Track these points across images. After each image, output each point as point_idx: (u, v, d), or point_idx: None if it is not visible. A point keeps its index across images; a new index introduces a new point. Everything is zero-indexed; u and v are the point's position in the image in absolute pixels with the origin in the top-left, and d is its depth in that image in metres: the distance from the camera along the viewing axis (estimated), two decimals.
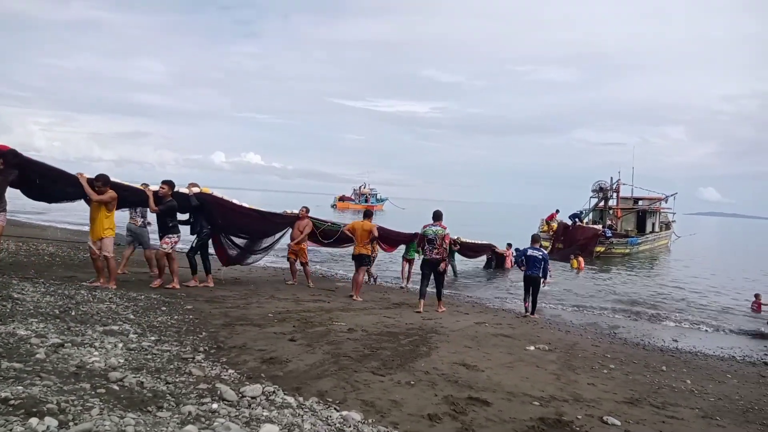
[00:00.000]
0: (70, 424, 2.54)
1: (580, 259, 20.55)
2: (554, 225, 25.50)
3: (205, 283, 9.17)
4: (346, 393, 4.27)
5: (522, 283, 10.70)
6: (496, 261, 18.84)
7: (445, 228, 9.37)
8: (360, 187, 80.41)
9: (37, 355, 3.64)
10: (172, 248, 8.49)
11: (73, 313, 5.32)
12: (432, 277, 9.42)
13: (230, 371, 4.37)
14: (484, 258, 18.90)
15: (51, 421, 2.48)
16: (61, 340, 4.10)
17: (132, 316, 5.79)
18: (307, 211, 11.14)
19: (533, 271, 10.15)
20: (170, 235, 8.44)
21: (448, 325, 7.95)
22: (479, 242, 17.86)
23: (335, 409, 3.78)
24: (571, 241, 23.03)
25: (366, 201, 77.58)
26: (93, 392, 3.12)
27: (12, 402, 2.63)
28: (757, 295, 13.41)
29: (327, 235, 12.00)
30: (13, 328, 4.18)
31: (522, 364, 6.06)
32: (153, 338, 4.95)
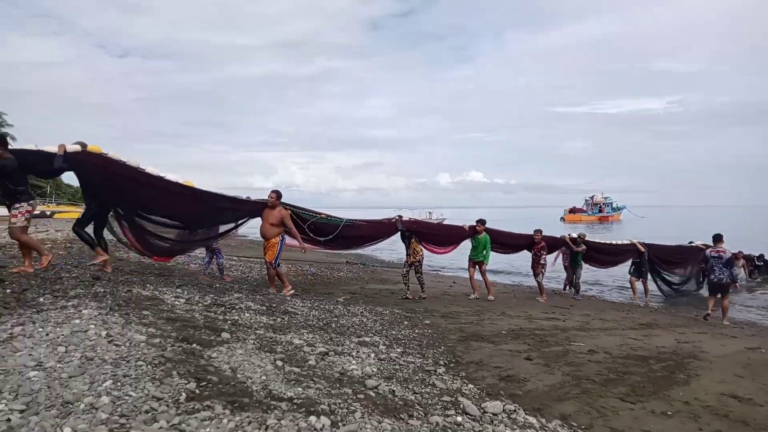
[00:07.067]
0: (340, 424, 2.92)
1: None
2: None
3: (94, 260, 7.25)
4: (592, 419, 4.04)
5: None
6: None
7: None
8: (592, 197, 75.34)
9: (309, 362, 4.27)
10: (26, 219, 6.41)
11: (333, 326, 6.09)
12: None
13: (470, 386, 4.50)
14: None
15: (325, 420, 2.90)
16: (326, 349, 4.73)
17: (380, 329, 6.39)
18: (278, 196, 8.53)
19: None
20: (16, 205, 6.32)
21: (710, 349, 6.91)
22: (557, 237, 12.50)
23: None
24: None
25: (600, 211, 72.34)
26: (354, 397, 3.53)
27: (296, 401, 3.14)
28: None
29: (322, 230, 9.32)
30: (290, 338, 4.97)
31: None
32: (399, 350, 5.38)
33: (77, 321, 3.99)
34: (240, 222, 8.83)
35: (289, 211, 8.73)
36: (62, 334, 3.62)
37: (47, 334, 3.62)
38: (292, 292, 8.44)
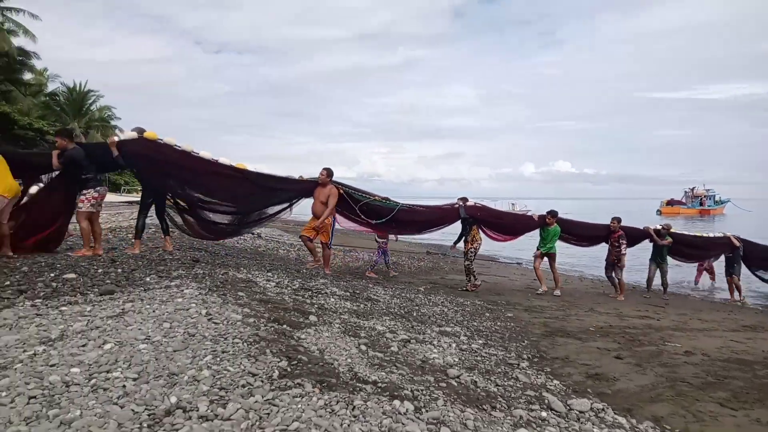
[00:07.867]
0: (423, 410, 2.97)
1: None
2: None
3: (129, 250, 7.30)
4: (687, 423, 3.82)
5: None
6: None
7: None
8: (693, 189, 70.16)
9: (392, 348, 4.35)
10: (92, 205, 6.74)
11: (414, 314, 6.16)
12: None
13: (555, 382, 4.40)
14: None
15: (409, 405, 2.95)
16: (407, 337, 4.80)
17: (461, 320, 6.38)
18: (329, 174, 8.47)
19: None
20: (84, 191, 6.70)
21: None
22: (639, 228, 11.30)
23: None
24: None
25: (701, 204, 67.36)
26: (436, 385, 3.56)
27: (380, 384, 3.22)
28: None
29: (375, 213, 9.00)
30: (373, 324, 5.08)
31: None
32: (480, 342, 5.35)
33: (180, 300, 4.32)
34: (293, 202, 8.77)
35: (341, 190, 8.65)
36: (167, 312, 3.93)
37: (154, 311, 3.95)
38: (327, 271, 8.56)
